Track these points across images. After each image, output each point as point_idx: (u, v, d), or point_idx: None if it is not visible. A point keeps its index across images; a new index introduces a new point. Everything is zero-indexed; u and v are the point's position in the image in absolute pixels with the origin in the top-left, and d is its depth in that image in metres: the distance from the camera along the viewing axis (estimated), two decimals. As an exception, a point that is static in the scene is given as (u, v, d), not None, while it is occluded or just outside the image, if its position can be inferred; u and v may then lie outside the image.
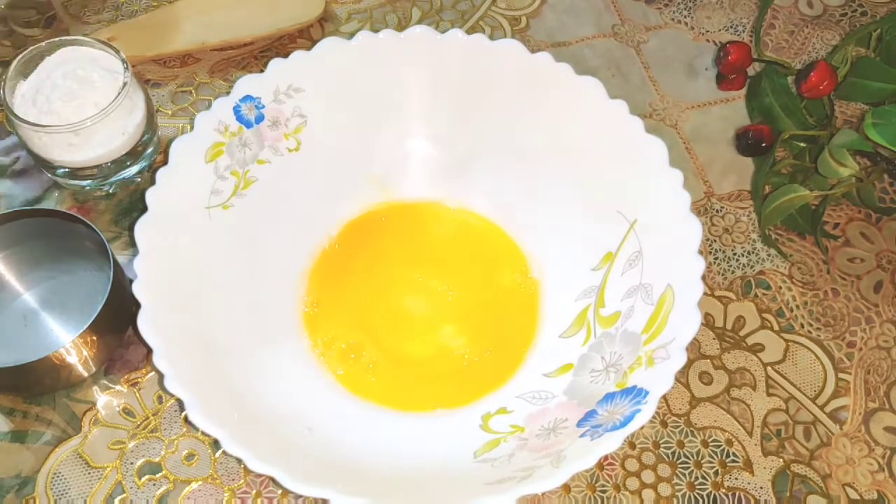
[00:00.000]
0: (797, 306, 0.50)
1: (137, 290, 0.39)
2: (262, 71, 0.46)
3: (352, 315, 0.47)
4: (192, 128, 0.45)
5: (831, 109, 0.54)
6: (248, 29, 0.57)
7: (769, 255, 0.52)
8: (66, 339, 0.41)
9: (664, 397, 0.44)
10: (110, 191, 0.50)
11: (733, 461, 0.45)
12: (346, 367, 0.45)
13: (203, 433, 0.38)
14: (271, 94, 0.47)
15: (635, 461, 0.45)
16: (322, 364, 0.45)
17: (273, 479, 0.36)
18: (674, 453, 0.45)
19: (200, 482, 0.43)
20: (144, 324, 0.39)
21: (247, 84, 0.46)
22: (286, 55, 0.47)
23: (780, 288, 0.51)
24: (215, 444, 0.39)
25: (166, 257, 0.41)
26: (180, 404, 0.38)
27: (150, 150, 0.50)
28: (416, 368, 0.46)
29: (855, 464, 0.46)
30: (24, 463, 0.43)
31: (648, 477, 0.45)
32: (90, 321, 0.41)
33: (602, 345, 0.43)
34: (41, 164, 0.48)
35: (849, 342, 0.49)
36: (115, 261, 0.43)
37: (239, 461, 0.37)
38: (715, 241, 0.52)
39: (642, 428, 0.39)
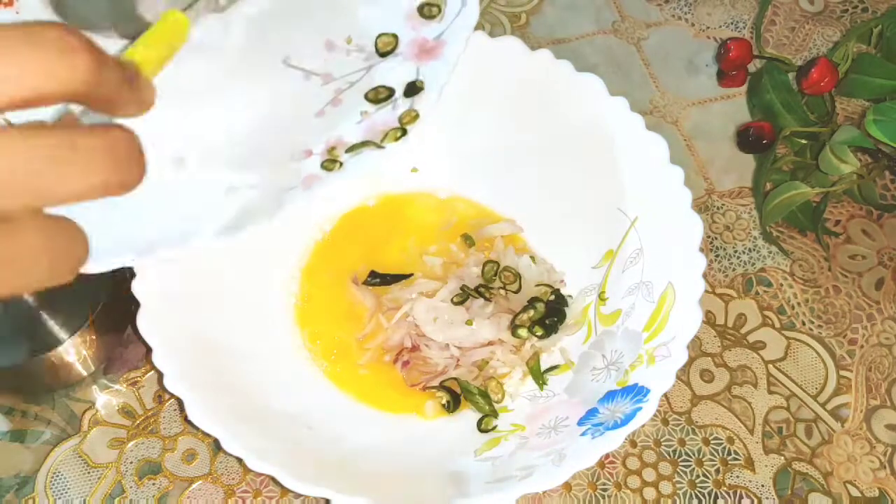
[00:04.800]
0: (798, 304, 0.50)
1: (136, 288, 0.39)
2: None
3: (347, 309, 0.47)
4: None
5: (832, 106, 0.54)
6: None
7: (770, 253, 0.52)
8: (65, 338, 0.41)
9: (665, 395, 0.44)
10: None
11: (734, 459, 0.45)
12: (341, 365, 0.45)
13: (203, 432, 0.38)
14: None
15: (636, 459, 0.45)
16: (319, 361, 0.45)
17: (273, 479, 0.36)
18: (675, 451, 0.45)
19: (200, 481, 0.43)
20: (144, 322, 0.39)
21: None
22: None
23: (782, 285, 0.51)
24: (215, 443, 0.39)
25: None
26: (180, 403, 0.38)
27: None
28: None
29: (856, 461, 0.45)
30: (24, 462, 0.43)
31: (650, 475, 0.44)
32: (89, 320, 0.41)
33: (603, 343, 0.43)
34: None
35: (850, 339, 0.49)
36: (113, 259, 0.43)
37: (239, 460, 0.37)
38: (716, 238, 0.52)
39: (643, 426, 0.39)
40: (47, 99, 0.21)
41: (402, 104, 0.38)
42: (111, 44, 0.38)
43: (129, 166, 0.23)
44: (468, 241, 0.48)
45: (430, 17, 0.39)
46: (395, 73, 0.39)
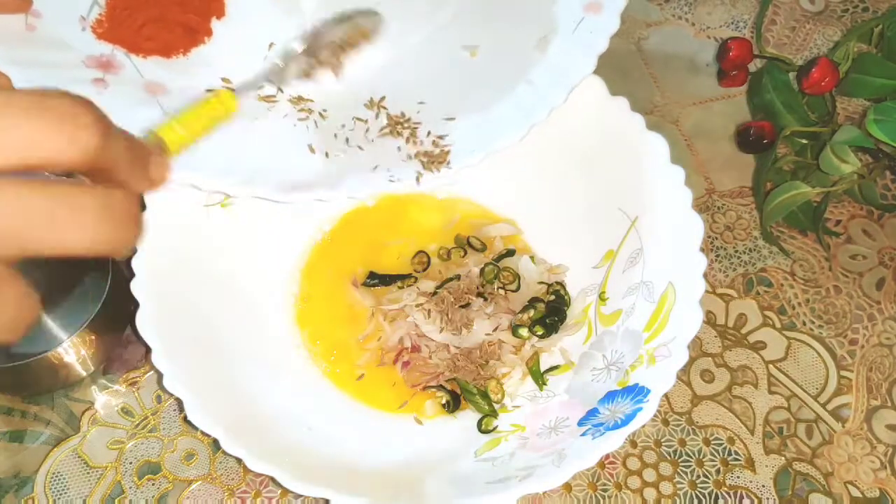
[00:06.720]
0: (799, 304, 0.50)
1: (136, 288, 0.39)
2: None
3: (346, 309, 0.47)
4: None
5: (833, 106, 0.54)
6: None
7: (771, 253, 0.51)
8: (64, 338, 0.41)
9: (666, 395, 0.44)
10: (108, 189, 0.50)
11: (735, 459, 0.45)
12: (340, 366, 0.45)
13: (202, 432, 0.38)
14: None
15: (637, 460, 0.45)
16: (319, 362, 0.45)
17: (272, 479, 0.36)
18: (675, 452, 0.45)
19: (200, 482, 0.43)
20: (143, 323, 0.38)
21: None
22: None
23: (782, 285, 0.50)
24: (214, 443, 0.39)
25: (164, 255, 0.41)
26: (179, 403, 0.38)
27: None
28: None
29: (857, 462, 0.45)
30: (23, 463, 0.43)
31: (650, 475, 0.44)
32: (88, 320, 0.41)
33: (603, 343, 0.43)
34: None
35: (851, 339, 0.49)
36: (113, 259, 0.43)
37: (238, 461, 0.37)
38: (716, 238, 0.52)
39: (644, 426, 0.39)
40: (41, 168, 0.21)
41: None
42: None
43: (123, 229, 0.23)
44: (465, 244, 0.48)
45: None
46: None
